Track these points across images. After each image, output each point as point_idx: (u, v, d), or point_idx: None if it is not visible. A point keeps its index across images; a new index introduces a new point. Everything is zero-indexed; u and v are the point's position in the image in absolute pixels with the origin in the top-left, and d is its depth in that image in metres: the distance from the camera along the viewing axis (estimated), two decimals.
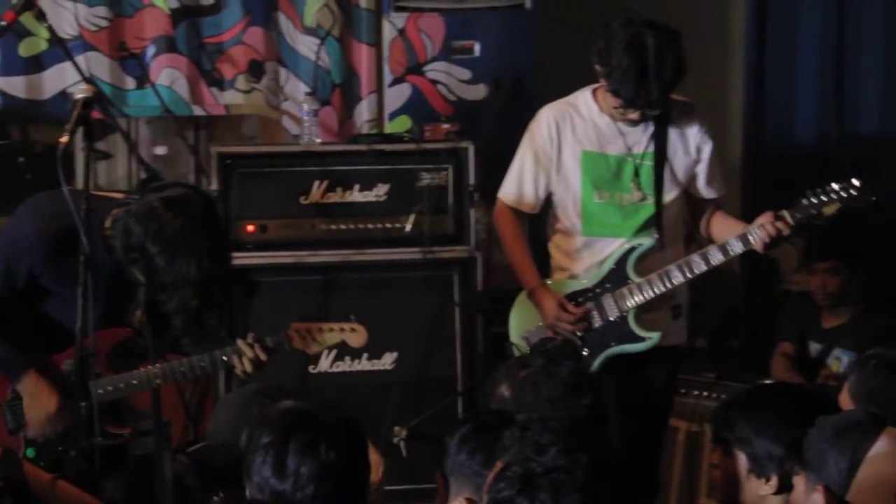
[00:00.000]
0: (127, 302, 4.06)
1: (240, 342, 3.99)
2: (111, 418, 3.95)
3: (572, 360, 3.38)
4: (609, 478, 2.35)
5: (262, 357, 3.98)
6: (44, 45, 5.53)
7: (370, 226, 5.19)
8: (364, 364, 5.15)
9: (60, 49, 5.30)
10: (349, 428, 2.85)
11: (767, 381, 4.75)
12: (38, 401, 3.91)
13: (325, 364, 5.13)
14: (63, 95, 5.52)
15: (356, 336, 4.10)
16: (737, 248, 4.32)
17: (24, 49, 5.53)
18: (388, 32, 5.83)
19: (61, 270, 3.82)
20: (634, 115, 4.31)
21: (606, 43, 4.21)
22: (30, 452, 3.96)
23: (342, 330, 4.07)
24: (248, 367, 3.97)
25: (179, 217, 3.68)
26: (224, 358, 3.98)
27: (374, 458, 3.12)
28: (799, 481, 2.78)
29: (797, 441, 2.81)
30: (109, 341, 4.01)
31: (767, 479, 3.07)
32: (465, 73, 5.91)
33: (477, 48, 5.90)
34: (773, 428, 3.06)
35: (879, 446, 2.69)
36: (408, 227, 5.17)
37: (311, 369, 5.11)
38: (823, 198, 4.23)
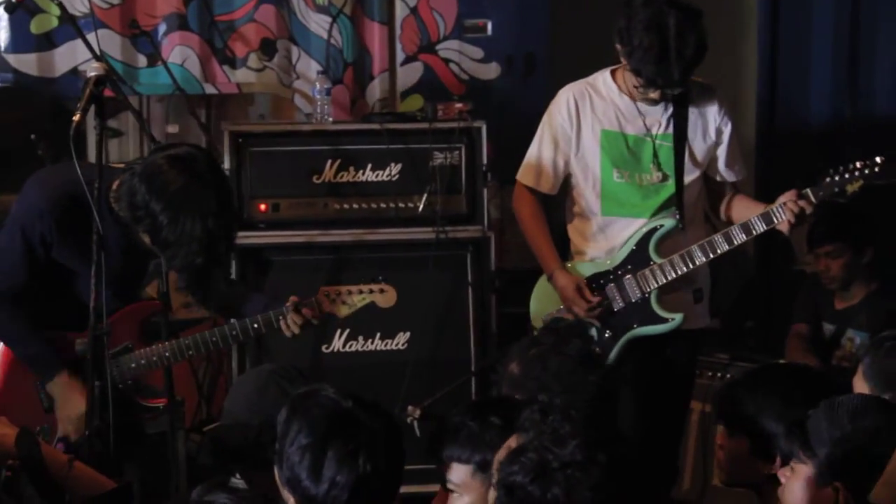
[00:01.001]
0: (139, 271, 4.06)
1: (287, 306, 3.99)
2: (144, 392, 3.97)
3: (582, 339, 3.37)
4: (624, 478, 2.34)
5: (315, 319, 4.00)
6: (55, 23, 5.51)
7: (382, 205, 5.17)
8: (377, 343, 5.14)
9: (72, 26, 5.27)
10: (389, 436, 2.80)
11: (772, 362, 4.74)
12: (69, 402, 3.91)
13: (338, 343, 5.12)
14: (74, 73, 5.51)
15: (386, 297, 4.12)
16: (760, 226, 4.29)
17: (36, 26, 5.51)
18: (401, 11, 5.82)
19: (70, 239, 3.83)
20: (655, 95, 4.29)
21: (627, 22, 4.19)
22: None
23: (371, 291, 4.08)
24: (297, 330, 3.98)
25: (183, 173, 3.68)
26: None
27: None
28: (799, 468, 2.74)
29: (801, 422, 2.79)
30: (140, 315, 4.01)
31: (771, 460, 3.05)
32: (478, 52, 5.89)
33: (489, 27, 5.89)
34: (777, 408, 3.04)
35: None
36: (420, 207, 5.15)
37: (324, 349, 5.11)
38: (847, 175, 4.21)
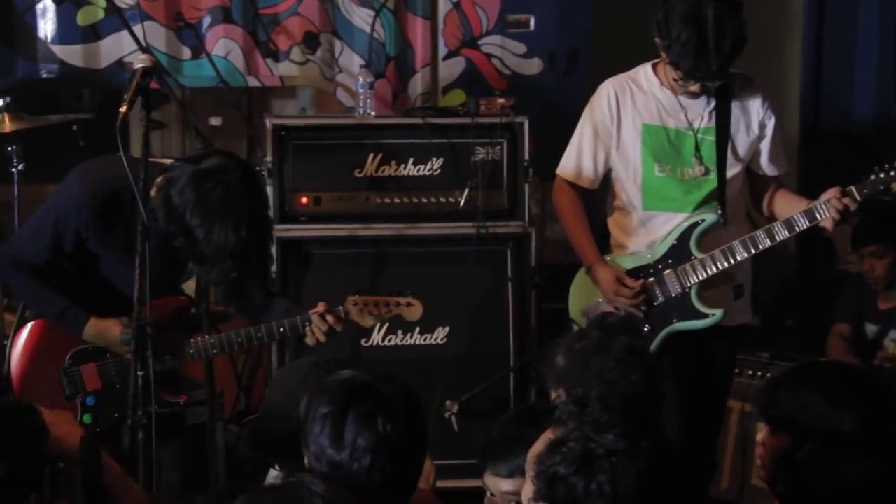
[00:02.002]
0: (177, 269, 4.08)
1: (313, 312, 4.00)
2: (167, 387, 3.98)
3: (629, 336, 3.34)
4: (667, 466, 2.32)
5: (338, 327, 4.00)
6: (101, 14, 5.56)
7: (424, 200, 5.17)
8: (416, 338, 5.15)
9: (118, 18, 5.31)
10: (408, 400, 2.83)
11: (816, 359, 4.71)
12: (108, 335, 3.95)
13: (377, 337, 5.13)
14: (119, 64, 5.55)
15: (412, 310, 4.11)
16: (803, 223, 4.26)
17: (82, 18, 5.56)
18: (444, 5, 5.82)
19: (107, 235, 3.86)
20: (695, 88, 4.26)
21: (666, 14, 4.17)
22: (86, 418, 4.01)
23: (398, 304, 4.08)
24: (322, 338, 3.99)
25: (218, 187, 3.69)
26: (287, 329, 3.99)
27: (427, 466, 3.10)
28: None
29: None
30: (167, 310, 4.03)
31: None
32: (521, 47, 5.89)
33: (532, 22, 5.88)
34: (819, 406, 3.02)
35: None
36: (462, 202, 5.15)
37: (363, 342, 5.11)
38: (892, 173, 4.17)
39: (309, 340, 4.05)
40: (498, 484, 2.95)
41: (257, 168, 4.86)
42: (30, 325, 4.05)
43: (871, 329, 5.33)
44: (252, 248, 3.74)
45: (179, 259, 3.96)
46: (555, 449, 2.34)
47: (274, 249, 4.99)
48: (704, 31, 4.11)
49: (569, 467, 2.30)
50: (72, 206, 3.88)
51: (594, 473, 2.28)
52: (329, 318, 3.99)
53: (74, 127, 5.33)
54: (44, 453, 3.06)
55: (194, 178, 3.70)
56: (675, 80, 4.27)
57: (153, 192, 3.77)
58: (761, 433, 3.18)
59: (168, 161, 3.96)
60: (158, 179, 3.77)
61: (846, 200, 4.21)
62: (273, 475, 3.33)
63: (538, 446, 2.45)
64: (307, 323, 3.99)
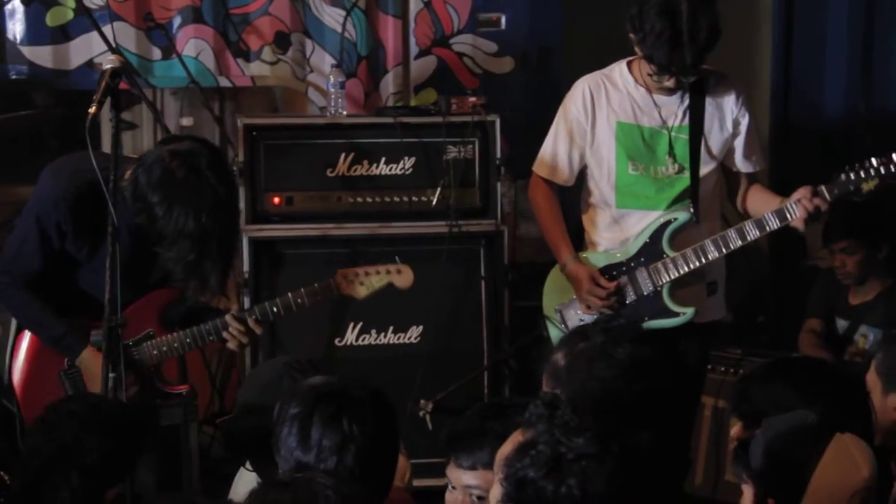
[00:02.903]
0: (150, 264, 4.07)
1: (228, 317, 3.99)
2: (165, 380, 4.01)
3: (633, 344, 3.30)
4: (639, 468, 2.32)
5: (257, 330, 3.99)
6: (70, 15, 5.52)
7: (396, 199, 5.17)
8: (390, 337, 5.15)
9: (87, 19, 5.29)
10: (376, 403, 2.85)
11: (788, 355, 4.73)
12: (97, 372, 3.90)
13: (350, 337, 5.12)
14: (89, 65, 5.52)
15: (403, 276, 4.16)
16: (774, 223, 4.28)
17: (51, 18, 5.52)
18: (415, 4, 5.82)
19: (86, 227, 3.85)
20: (669, 83, 4.27)
21: (640, 8, 4.18)
22: None
23: (388, 272, 4.10)
24: (243, 339, 3.98)
25: (182, 167, 3.69)
26: (210, 337, 3.99)
27: (402, 463, 3.10)
28: (747, 489, 2.73)
29: (745, 442, 2.78)
30: (161, 302, 4.03)
31: None
32: (492, 46, 5.89)
33: (503, 21, 5.87)
34: (792, 401, 3.03)
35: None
36: (434, 201, 5.15)
37: (337, 342, 5.11)
38: (862, 173, 4.19)
39: (230, 345, 4.04)
40: (460, 476, 2.94)
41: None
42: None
43: (841, 324, 5.36)
44: (212, 234, 3.73)
45: (152, 250, 3.96)
46: (524, 451, 2.33)
47: (246, 249, 4.98)
48: (679, 22, 4.12)
49: (538, 471, 2.29)
50: (49, 202, 3.88)
51: (564, 477, 2.27)
52: (250, 320, 4.00)
53: (45, 129, 5.32)
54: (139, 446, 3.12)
55: (162, 157, 3.71)
56: (649, 74, 4.27)
57: (126, 175, 3.78)
58: (735, 428, 3.20)
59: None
60: (129, 172, 3.77)
61: (817, 201, 4.23)
62: (244, 475, 3.32)
63: (507, 448, 2.44)
64: (299, 300, 4.00)
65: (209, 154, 3.80)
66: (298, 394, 2.85)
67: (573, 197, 4.62)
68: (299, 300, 4.06)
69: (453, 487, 2.96)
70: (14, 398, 4.05)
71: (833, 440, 2.62)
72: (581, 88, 4.44)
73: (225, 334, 4.01)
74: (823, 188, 4.25)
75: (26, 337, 4.06)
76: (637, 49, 4.25)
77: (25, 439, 3.09)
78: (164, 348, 4.03)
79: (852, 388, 2.96)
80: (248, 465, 3.33)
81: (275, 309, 4.04)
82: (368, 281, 4.10)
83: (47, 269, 3.93)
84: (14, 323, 4.10)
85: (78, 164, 3.81)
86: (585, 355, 3.19)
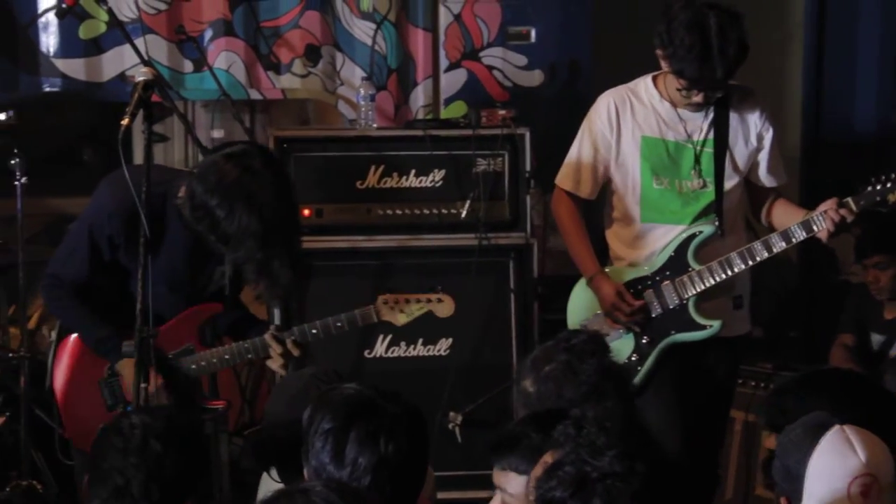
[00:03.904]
0: (207, 278, 4.10)
1: (267, 336, 4.00)
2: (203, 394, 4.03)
3: (597, 358, 3.28)
4: (663, 486, 2.32)
5: (295, 352, 3.99)
6: (103, 28, 5.57)
7: (426, 211, 5.18)
8: (419, 349, 5.15)
9: (119, 32, 5.32)
10: (412, 420, 2.83)
11: (821, 367, 4.70)
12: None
13: (380, 349, 5.13)
14: (122, 78, 5.56)
15: (443, 306, 4.15)
16: (800, 234, 4.27)
17: (84, 31, 5.57)
18: (445, 17, 5.83)
19: (138, 242, 3.87)
20: (699, 98, 4.25)
21: (668, 24, 4.18)
22: None
23: (429, 301, 4.10)
24: (280, 362, 3.99)
25: (237, 168, 3.71)
26: (248, 355, 4.01)
27: (427, 474, 3.09)
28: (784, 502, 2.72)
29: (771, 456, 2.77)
30: (201, 317, 4.06)
31: None
32: (521, 59, 5.89)
33: (533, 34, 5.89)
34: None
35: (825, 443, 2.63)
36: (463, 213, 5.16)
37: (366, 354, 5.12)
38: (888, 184, 4.18)
39: (271, 364, 4.06)
40: (499, 479, 2.93)
41: None
42: (72, 337, 4.08)
43: (876, 339, 5.33)
44: (276, 229, 3.75)
45: (208, 264, 3.98)
46: (552, 473, 2.34)
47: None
48: (708, 37, 4.12)
49: (565, 491, 2.30)
50: (103, 214, 3.91)
51: (590, 497, 2.28)
52: (288, 342, 4.00)
53: (78, 141, 5.36)
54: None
55: (216, 162, 3.74)
56: (678, 89, 4.26)
57: (180, 193, 3.82)
58: (769, 442, 3.18)
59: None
60: (183, 187, 3.81)
61: (843, 212, 4.22)
62: (267, 482, 3.33)
63: (537, 469, 2.46)
64: (265, 347, 4.01)
65: (261, 153, 3.84)
66: (332, 406, 2.82)
67: (597, 212, 4.61)
68: (339, 324, 4.06)
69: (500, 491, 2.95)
70: (55, 405, 4.07)
71: (832, 430, 2.61)
72: (606, 102, 4.44)
73: (270, 354, 4.01)
74: (850, 199, 4.24)
75: (68, 344, 4.07)
76: (665, 64, 4.24)
77: (98, 454, 3.08)
78: (203, 363, 4.05)
79: (886, 399, 2.95)
80: (273, 474, 3.34)
81: (314, 331, 4.05)
82: (409, 308, 4.10)
83: (96, 277, 3.96)
84: (58, 328, 4.12)
85: (135, 178, 3.84)
86: (552, 378, 3.17)
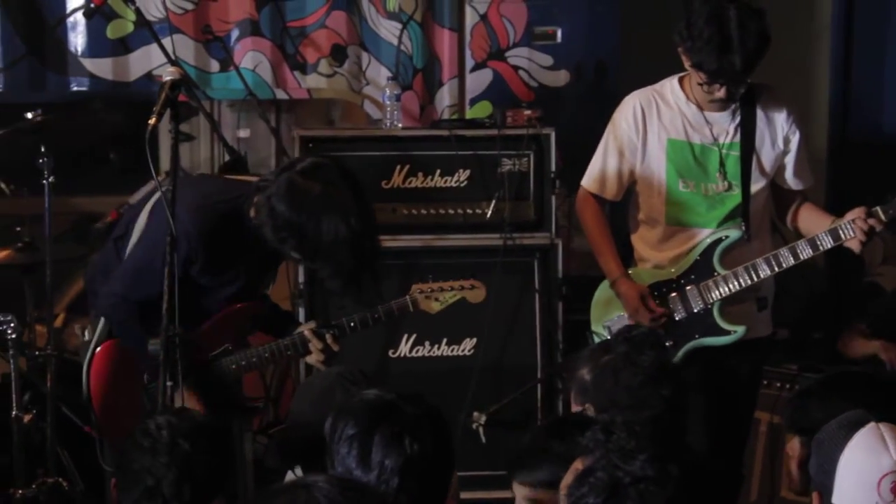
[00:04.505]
0: (268, 278, 4.15)
1: (307, 332, 4.01)
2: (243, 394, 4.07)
3: (656, 351, 3.34)
4: (696, 489, 2.31)
5: (334, 347, 4.02)
6: (130, 28, 5.59)
7: (451, 211, 5.18)
8: (444, 349, 5.15)
9: (147, 31, 5.36)
10: (434, 420, 2.83)
11: (845, 369, 4.68)
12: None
13: (404, 349, 5.14)
14: (149, 77, 5.59)
15: (476, 293, 4.18)
16: (827, 243, 4.25)
17: (112, 31, 5.60)
18: (471, 17, 5.83)
19: (214, 260, 3.90)
20: (721, 93, 4.22)
21: (687, 19, 4.17)
22: None
23: (462, 287, 4.14)
24: (321, 358, 4.01)
25: (318, 181, 3.76)
26: (288, 352, 4.02)
27: None
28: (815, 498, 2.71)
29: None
30: (238, 317, 4.07)
31: None
32: (547, 59, 5.89)
33: (559, 34, 5.88)
34: None
35: (856, 439, 2.62)
36: (488, 213, 5.16)
37: (391, 354, 5.13)
38: None
39: (310, 359, 4.07)
40: (521, 492, 2.95)
41: None
42: (105, 344, 4.08)
43: None
44: (364, 236, 3.80)
45: (270, 269, 4.03)
46: (583, 480, 2.33)
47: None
48: (727, 28, 4.11)
49: (597, 497, 2.29)
50: (180, 234, 3.86)
51: (623, 501, 2.28)
52: (328, 337, 4.01)
53: (104, 140, 5.37)
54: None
55: (295, 180, 3.76)
56: (699, 83, 4.24)
57: (253, 212, 3.86)
58: (791, 444, 3.18)
59: (254, 178, 4.03)
60: (257, 199, 3.82)
61: (871, 221, 4.20)
62: (290, 478, 3.34)
63: (568, 477, 2.45)
64: (304, 343, 4.03)
65: (334, 165, 3.88)
66: (353, 412, 2.83)
67: (621, 213, 4.61)
68: (376, 315, 4.08)
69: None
70: (91, 408, 4.08)
71: (867, 426, 2.60)
72: (632, 104, 4.42)
73: (310, 349, 4.03)
74: (879, 209, 4.21)
75: (108, 349, 4.08)
76: (686, 59, 4.22)
77: (127, 456, 3.10)
78: (244, 363, 4.06)
79: None
80: (298, 473, 3.35)
81: (352, 324, 4.07)
82: (443, 296, 4.14)
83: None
84: (97, 333, 4.12)
85: (209, 195, 3.90)
86: (610, 367, 3.22)
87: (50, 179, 5.03)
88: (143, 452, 3.03)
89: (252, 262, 3.96)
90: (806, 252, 4.26)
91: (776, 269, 4.29)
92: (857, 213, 4.22)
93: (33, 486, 4.65)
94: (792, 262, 4.28)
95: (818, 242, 4.25)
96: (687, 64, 4.24)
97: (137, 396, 4.05)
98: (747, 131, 4.34)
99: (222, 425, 3.34)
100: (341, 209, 3.74)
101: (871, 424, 2.61)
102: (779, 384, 5.18)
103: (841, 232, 4.24)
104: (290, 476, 3.43)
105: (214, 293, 3.98)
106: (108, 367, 4.06)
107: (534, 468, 2.92)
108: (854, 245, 4.24)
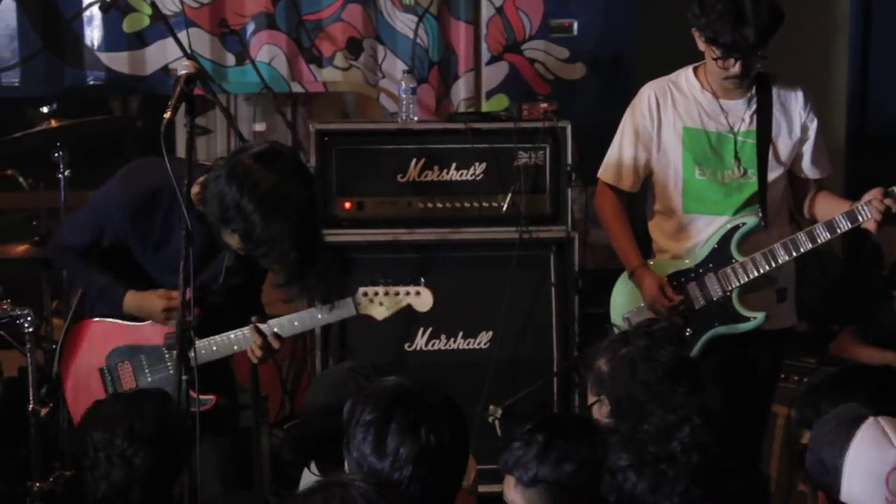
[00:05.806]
0: (216, 269, 4.11)
1: (249, 327, 3.92)
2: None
3: (675, 347, 3.31)
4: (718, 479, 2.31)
5: (275, 345, 3.91)
6: (146, 22, 5.60)
7: (466, 204, 5.17)
8: (460, 343, 5.15)
9: (163, 25, 5.36)
10: (451, 411, 2.84)
11: (856, 363, 4.66)
12: (145, 305, 3.98)
13: (420, 342, 5.14)
14: (165, 71, 5.59)
15: (421, 300, 3.97)
16: (844, 224, 4.23)
17: (128, 25, 5.60)
18: (487, 10, 5.82)
19: (143, 234, 3.91)
20: (736, 69, 4.21)
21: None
22: None
23: (408, 293, 3.98)
24: (259, 354, 3.90)
25: (273, 172, 3.70)
26: (235, 347, 3.95)
27: (469, 463, 3.09)
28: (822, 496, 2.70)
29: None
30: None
31: None
32: (564, 52, 5.88)
33: (575, 27, 5.87)
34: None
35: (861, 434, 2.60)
36: (504, 207, 5.15)
37: (406, 347, 5.12)
38: None
39: (251, 357, 3.94)
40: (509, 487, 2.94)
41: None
42: (78, 325, 4.11)
43: None
44: (308, 230, 3.77)
45: (216, 258, 3.99)
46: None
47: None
48: (741, 1, 4.11)
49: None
50: (110, 207, 3.95)
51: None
52: (270, 336, 3.90)
53: (120, 133, 5.39)
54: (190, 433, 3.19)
55: (249, 166, 3.71)
56: (714, 59, 4.22)
57: (196, 190, 3.79)
58: (805, 438, 3.16)
59: (210, 163, 3.99)
60: (201, 178, 3.80)
61: (888, 201, 4.19)
62: (307, 476, 3.34)
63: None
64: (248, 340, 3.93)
65: (291, 155, 3.85)
66: (373, 397, 2.84)
67: (639, 205, 4.59)
68: (319, 316, 3.97)
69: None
70: (61, 393, 4.10)
71: (867, 422, 2.60)
72: (647, 94, 4.43)
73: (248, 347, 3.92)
74: (895, 189, 4.19)
75: (78, 329, 4.10)
76: (699, 38, 4.22)
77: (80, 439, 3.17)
78: (203, 351, 3.94)
79: None
80: (312, 467, 3.35)
81: (296, 323, 3.94)
82: (388, 301, 3.98)
83: (99, 254, 4.01)
84: (71, 313, 4.16)
85: (149, 172, 3.86)
86: (628, 360, 3.20)
87: (66, 173, 5.06)
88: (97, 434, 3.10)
89: (198, 246, 3.81)
90: (823, 235, 4.25)
91: (794, 253, 4.28)
92: (874, 194, 4.21)
93: (50, 480, 4.67)
94: (809, 245, 4.26)
95: (835, 225, 4.24)
96: (700, 42, 4.23)
97: (100, 381, 4.05)
98: (763, 119, 4.33)
99: (171, 411, 3.35)
100: (291, 204, 3.68)
101: (871, 419, 2.60)
102: (797, 377, 5.16)
103: (858, 214, 4.22)
104: (306, 473, 3.43)
105: (161, 275, 3.94)
106: (76, 347, 4.09)
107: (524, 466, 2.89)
108: (871, 227, 4.22)
